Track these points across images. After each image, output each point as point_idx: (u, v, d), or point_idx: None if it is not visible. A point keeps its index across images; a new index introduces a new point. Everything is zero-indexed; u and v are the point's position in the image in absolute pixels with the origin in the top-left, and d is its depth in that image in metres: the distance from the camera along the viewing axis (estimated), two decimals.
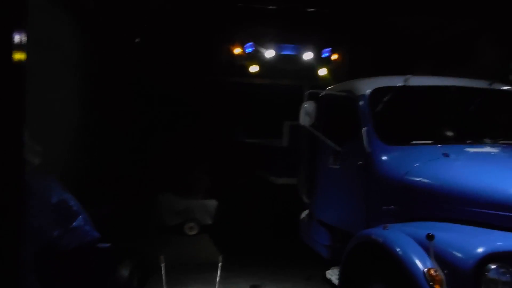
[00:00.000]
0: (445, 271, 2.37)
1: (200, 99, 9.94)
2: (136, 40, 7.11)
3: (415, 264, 2.48)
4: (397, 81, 3.92)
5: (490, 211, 2.73)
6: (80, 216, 3.35)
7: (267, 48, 8.98)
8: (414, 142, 3.68)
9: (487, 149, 3.71)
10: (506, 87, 4.34)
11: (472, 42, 8.41)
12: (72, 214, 3.29)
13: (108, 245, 3.50)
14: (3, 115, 2.20)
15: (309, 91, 4.11)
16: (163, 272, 3.76)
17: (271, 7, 7.70)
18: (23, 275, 2.42)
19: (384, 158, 3.58)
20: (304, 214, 5.28)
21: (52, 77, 4.39)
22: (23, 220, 2.35)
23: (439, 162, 3.36)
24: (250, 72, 9.69)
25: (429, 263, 2.42)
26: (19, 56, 2.20)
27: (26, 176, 2.43)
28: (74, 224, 3.26)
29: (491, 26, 7.60)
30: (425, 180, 3.21)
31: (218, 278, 3.83)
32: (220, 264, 3.90)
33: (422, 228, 2.79)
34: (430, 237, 2.41)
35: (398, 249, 2.64)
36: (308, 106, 4.04)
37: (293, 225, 5.55)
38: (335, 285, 3.81)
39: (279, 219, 6.24)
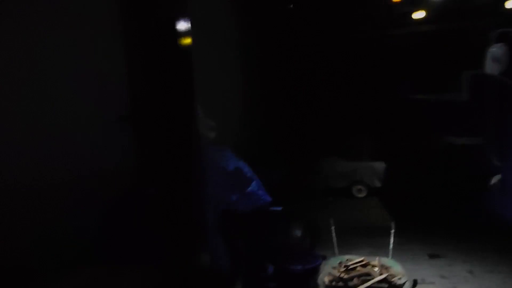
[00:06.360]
0: None
1: (357, 57, 9.43)
2: (290, 6, 7.09)
3: None
4: None
5: None
6: (254, 182, 3.62)
7: None
8: None
9: None
10: None
11: None
12: (246, 180, 3.58)
13: (280, 208, 3.71)
14: (178, 97, 2.43)
15: (499, 30, 3.34)
16: (333, 234, 3.76)
17: None
18: (210, 235, 2.74)
19: None
20: (495, 179, 4.53)
21: (216, 57, 4.74)
22: (205, 187, 2.61)
23: None
24: (413, 19, 8.64)
25: None
26: (185, 40, 2.39)
27: (204, 149, 2.71)
28: (248, 189, 3.56)
29: None
30: None
31: (391, 244, 3.64)
32: (393, 230, 3.69)
33: None
34: None
35: None
36: (496, 50, 3.33)
37: (478, 192, 4.83)
38: None
39: (459, 184, 5.51)
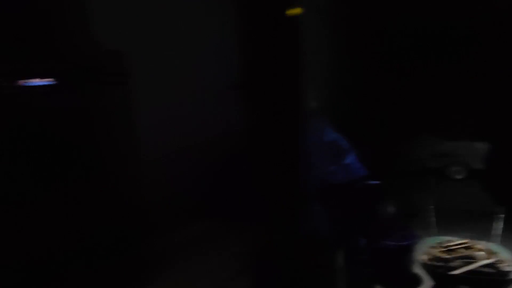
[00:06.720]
0: None
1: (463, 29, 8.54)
2: None
3: None
4: None
5: None
6: (351, 155, 3.59)
7: None
8: None
9: None
10: None
11: None
12: (343, 152, 3.57)
13: (377, 182, 3.64)
14: (286, 67, 2.48)
15: None
16: (431, 215, 3.62)
17: None
18: (311, 202, 2.82)
19: None
20: None
21: (319, 28, 4.67)
22: (307, 155, 2.67)
23: None
24: None
25: None
26: (293, 11, 2.39)
27: (305, 118, 2.74)
28: (345, 161, 3.54)
29: None
30: None
31: (499, 229, 3.39)
32: (501, 215, 3.43)
33: None
34: None
35: None
36: None
37: None
38: None
39: None
